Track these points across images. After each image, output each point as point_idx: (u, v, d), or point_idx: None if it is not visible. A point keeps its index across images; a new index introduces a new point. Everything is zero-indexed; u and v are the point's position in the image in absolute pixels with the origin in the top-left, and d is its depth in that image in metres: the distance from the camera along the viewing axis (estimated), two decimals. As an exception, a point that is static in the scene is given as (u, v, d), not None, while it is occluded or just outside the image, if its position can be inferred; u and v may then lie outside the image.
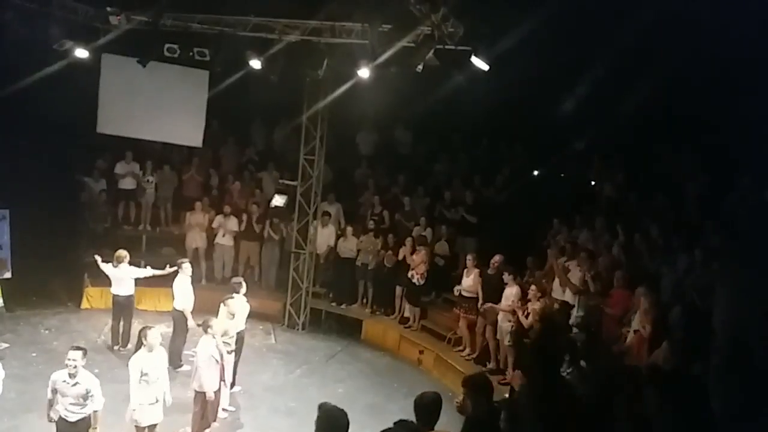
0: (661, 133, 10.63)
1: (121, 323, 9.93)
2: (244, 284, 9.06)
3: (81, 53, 10.37)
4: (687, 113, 9.77)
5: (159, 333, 6.98)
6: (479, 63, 8.56)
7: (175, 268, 9.65)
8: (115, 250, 10.00)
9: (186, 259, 10.00)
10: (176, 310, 9.44)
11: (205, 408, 7.27)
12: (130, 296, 9.94)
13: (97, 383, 6.15)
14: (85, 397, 6.04)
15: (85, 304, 11.58)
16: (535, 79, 10.62)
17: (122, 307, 9.88)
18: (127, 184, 13.19)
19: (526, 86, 10.91)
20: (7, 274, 10.56)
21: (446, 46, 8.64)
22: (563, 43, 9.40)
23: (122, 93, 11.59)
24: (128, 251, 10.02)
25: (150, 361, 6.66)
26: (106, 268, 9.82)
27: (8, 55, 9.60)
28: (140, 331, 6.93)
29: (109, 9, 10.03)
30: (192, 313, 9.36)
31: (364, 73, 9.31)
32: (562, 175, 12.81)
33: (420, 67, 8.94)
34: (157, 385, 6.69)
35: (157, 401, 6.69)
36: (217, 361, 7.33)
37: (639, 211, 10.02)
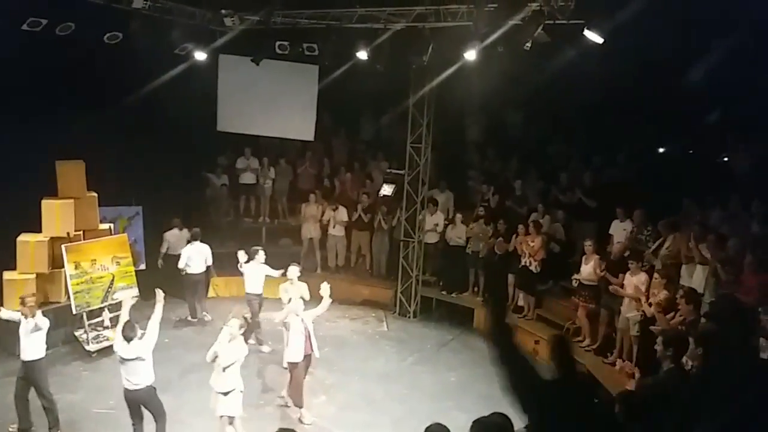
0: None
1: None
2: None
3: (200, 55, 10.98)
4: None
5: (239, 324, 6.93)
6: (593, 36, 8.04)
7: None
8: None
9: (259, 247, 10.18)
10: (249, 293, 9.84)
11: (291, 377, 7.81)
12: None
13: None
14: None
15: (210, 293, 12.07)
16: (658, 50, 9.77)
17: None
18: (247, 178, 13.84)
19: (646, 57, 10.09)
20: (142, 266, 11.49)
21: (557, 21, 8.20)
22: (688, 7, 8.58)
23: (239, 92, 12.18)
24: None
25: (227, 349, 6.69)
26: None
27: (136, 63, 10.28)
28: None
29: (223, 11, 10.52)
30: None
31: (470, 55, 9.04)
32: (691, 151, 11.79)
33: (528, 44, 8.54)
34: (231, 376, 6.66)
35: (229, 392, 6.66)
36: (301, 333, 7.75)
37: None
